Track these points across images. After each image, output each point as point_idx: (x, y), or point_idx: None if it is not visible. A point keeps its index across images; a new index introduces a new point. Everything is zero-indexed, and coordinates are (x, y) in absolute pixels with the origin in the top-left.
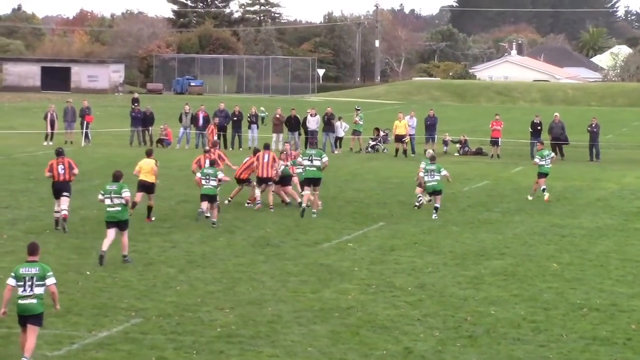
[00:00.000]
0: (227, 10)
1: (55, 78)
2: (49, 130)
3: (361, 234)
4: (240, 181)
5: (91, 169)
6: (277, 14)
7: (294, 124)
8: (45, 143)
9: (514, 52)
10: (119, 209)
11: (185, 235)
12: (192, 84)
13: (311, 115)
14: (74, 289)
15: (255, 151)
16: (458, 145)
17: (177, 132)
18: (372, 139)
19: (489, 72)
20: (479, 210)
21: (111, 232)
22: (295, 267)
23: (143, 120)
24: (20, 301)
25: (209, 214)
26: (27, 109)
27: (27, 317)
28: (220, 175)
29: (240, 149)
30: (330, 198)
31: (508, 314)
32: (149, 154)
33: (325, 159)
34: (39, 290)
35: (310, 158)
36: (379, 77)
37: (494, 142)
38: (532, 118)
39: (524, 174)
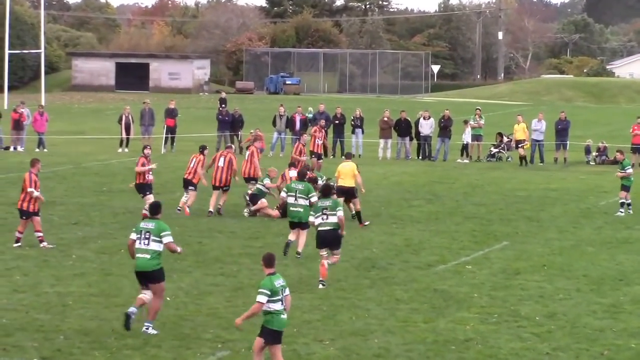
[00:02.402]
0: None
1: (132, 75)
2: (124, 136)
3: (482, 255)
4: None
5: (172, 179)
6: (386, 2)
7: (404, 128)
8: (119, 150)
9: None
10: (301, 210)
11: (279, 256)
12: (287, 82)
13: (424, 118)
14: None
15: (202, 148)
16: (595, 153)
17: (270, 137)
18: (494, 145)
19: (630, 69)
20: (618, 228)
21: (294, 232)
22: (406, 293)
23: (231, 124)
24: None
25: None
26: (99, 111)
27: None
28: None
29: (343, 157)
30: (446, 214)
31: None
32: (348, 156)
33: (340, 212)
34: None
35: (295, 195)
36: (502, 75)
37: (636, 149)
38: None
39: None
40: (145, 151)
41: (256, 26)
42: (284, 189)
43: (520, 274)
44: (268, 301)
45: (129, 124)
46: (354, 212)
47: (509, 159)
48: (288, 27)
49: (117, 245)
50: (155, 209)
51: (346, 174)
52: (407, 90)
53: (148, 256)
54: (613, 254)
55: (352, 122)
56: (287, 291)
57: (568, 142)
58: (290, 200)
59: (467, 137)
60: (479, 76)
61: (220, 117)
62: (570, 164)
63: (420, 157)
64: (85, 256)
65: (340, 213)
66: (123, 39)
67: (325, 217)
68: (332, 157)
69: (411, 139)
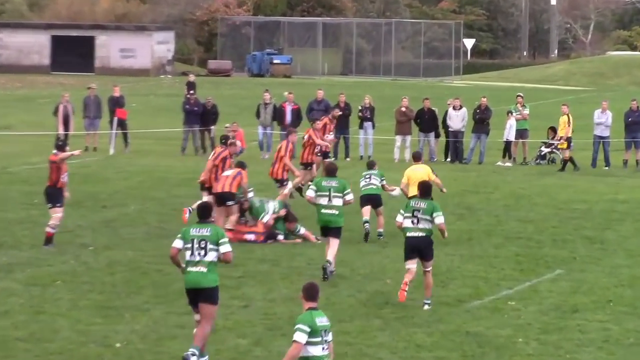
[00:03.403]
0: None
1: (72, 53)
2: (62, 131)
3: (528, 287)
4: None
5: (124, 188)
6: None
7: (428, 121)
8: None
9: None
10: (336, 212)
11: (264, 290)
12: (275, 61)
13: (454, 108)
14: None
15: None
16: None
17: (255, 133)
18: (544, 143)
19: None
20: None
21: (328, 239)
22: (429, 336)
23: (202, 116)
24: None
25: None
26: (29, 99)
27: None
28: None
29: (348, 159)
30: (482, 233)
31: None
32: (417, 158)
33: (349, 196)
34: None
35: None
36: (555, 52)
37: None
38: None
39: None
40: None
41: None
42: (312, 186)
43: (578, 311)
44: (307, 342)
45: (67, 116)
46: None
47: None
48: None
49: (52, 275)
50: (205, 210)
51: (420, 179)
52: (432, 72)
53: (205, 269)
54: None
55: (360, 114)
56: (331, 336)
57: None
58: (323, 201)
59: (510, 133)
60: (525, 53)
61: (187, 106)
62: None
63: (448, 159)
64: (10, 288)
65: (350, 196)
66: (61, 5)
67: (416, 220)
68: (333, 158)
69: (437, 136)
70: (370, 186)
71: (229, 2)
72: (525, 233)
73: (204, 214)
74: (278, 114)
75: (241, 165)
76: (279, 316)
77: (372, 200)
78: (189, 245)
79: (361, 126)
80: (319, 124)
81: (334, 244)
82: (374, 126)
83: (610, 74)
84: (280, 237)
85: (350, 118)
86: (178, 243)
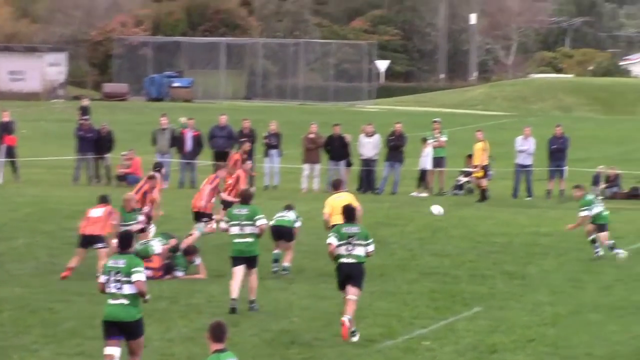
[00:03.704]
0: None
1: None
2: None
3: (444, 325)
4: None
5: (12, 220)
6: None
7: (338, 148)
8: None
9: None
10: (250, 240)
11: (161, 328)
12: (175, 84)
13: (367, 134)
14: None
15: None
16: (603, 184)
17: (150, 160)
18: (462, 172)
19: None
20: (634, 288)
21: (239, 270)
22: None
23: (96, 143)
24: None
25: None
26: None
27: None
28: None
29: (253, 188)
30: (395, 268)
31: None
32: (337, 186)
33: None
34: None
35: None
36: (475, 74)
37: None
38: None
39: None
40: None
41: (132, 6)
42: (225, 217)
43: (497, 352)
44: None
45: None
46: None
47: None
48: (177, 7)
49: None
50: (126, 240)
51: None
52: (342, 96)
53: (126, 302)
54: (627, 323)
55: (265, 141)
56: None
57: (566, 167)
58: (235, 230)
59: (426, 162)
60: (443, 76)
61: (80, 133)
62: (569, 198)
63: (360, 189)
64: None
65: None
66: None
67: (351, 247)
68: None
69: (348, 164)
70: (284, 217)
71: (125, 22)
72: (441, 268)
73: (124, 244)
74: (177, 141)
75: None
76: (177, 357)
77: (284, 233)
78: (107, 278)
79: (266, 154)
80: (230, 162)
81: (252, 274)
82: (280, 154)
83: (533, 98)
84: (180, 273)
85: (255, 145)
86: (102, 278)
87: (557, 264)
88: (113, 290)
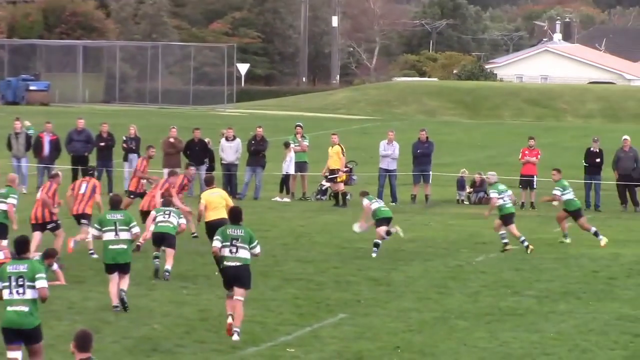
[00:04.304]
0: None
1: None
2: None
3: (309, 332)
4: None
5: None
6: None
7: (198, 152)
8: None
9: (557, 36)
10: (125, 246)
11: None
12: (32, 87)
13: (227, 139)
14: None
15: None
16: (469, 189)
17: (8, 165)
18: (326, 177)
19: (518, 69)
20: (501, 294)
21: (114, 277)
22: None
23: None
24: None
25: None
26: None
27: None
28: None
29: (111, 194)
30: (258, 274)
31: None
32: (209, 182)
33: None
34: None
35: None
36: (337, 77)
37: (526, 183)
38: (587, 144)
39: (575, 235)
40: None
41: None
42: (95, 224)
43: (363, 359)
44: None
45: None
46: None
47: (348, 197)
48: (33, 9)
49: None
50: (23, 245)
51: (216, 203)
52: (203, 100)
53: (26, 309)
54: (494, 330)
55: (124, 145)
56: None
57: (431, 172)
58: (110, 236)
59: (288, 167)
60: (304, 79)
61: None
62: (435, 203)
63: None
64: None
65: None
66: None
67: (235, 249)
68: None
69: (210, 169)
70: (167, 224)
71: None
72: (305, 274)
73: (21, 249)
74: (35, 145)
75: None
76: None
77: (165, 239)
78: (7, 284)
79: (126, 158)
80: (176, 186)
81: (124, 279)
82: (139, 157)
83: (396, 102)
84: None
85: (114, 149)
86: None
87: (422, 270)
88: (16, 297)
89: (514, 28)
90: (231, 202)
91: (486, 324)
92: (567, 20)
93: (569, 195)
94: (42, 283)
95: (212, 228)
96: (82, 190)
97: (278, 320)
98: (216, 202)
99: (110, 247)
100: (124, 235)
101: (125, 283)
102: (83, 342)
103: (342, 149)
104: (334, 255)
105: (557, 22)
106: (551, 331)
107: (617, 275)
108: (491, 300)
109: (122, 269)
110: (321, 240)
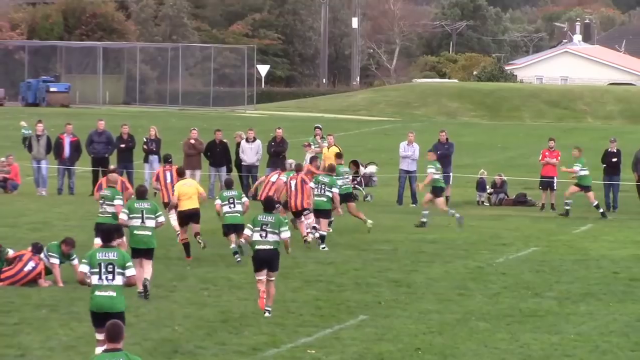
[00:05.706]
0: None
1: None
2: None
3: (329, 334)
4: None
5: None
6: None
7: (219, 154)
8: None
9: (577, 37)
10: (149, 233)
11: (41, 337)
12: (52, 89)
13: (248, 140)
14: None
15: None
16: (490, 190)
17: (28, 167)
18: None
19: (537, 70)
20: (522, 296)
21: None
22: None
23: None
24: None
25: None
26: None
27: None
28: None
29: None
30: (279, 275)
31: None
32: (182, 173)
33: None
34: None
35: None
36: (357, 79)
37: (547, 184)
38: (607, 145)
39: (595, 236)
40: None
41: (6, 9)
42: (125, 209)
43: None
44: None
45: None
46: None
47: (368, 198)
48: (53, 10)
49: None
50: (110, 233)
51: (189, 193)
52: (223, 101)
53: (114, 294)
54: (514, 331)
55: (145, 146)
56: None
57: (451, 174)
58: (137, 222)
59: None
60: (325, 81)
61: None
62: (455, 204)
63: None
64: None
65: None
66: None
67: (264, 234)
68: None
69: (229, 170)
70: (235, 214)
71: (1, 26)
72: (325, 276)
73: (108, 237)
74: (55, 147)
75: None
76: None
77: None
78: (96, 270)
79: (146, 160)
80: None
81: (147, 265)
82: (160, 159)
83: (416, 103)
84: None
85: (134, 151)
86: (84, 267)
87: (443, 271)
88: (105, 283)
89: (534, 29)
90: (203, 191)
91: (507, 326)
92: (587, 21)
93: (585, 172)
94: (131, 271)
95: (186, 217)
96: (168, 180)
97: (299, 321)
98: (189, 192)
99: (136, 232)
100: (150, 223)
101: (148, 272)
102: (113, 332)
103: (339, 149)
104: (354, 256)
105: (577, 23)
106: (571, 332)
107: (637, 277)
108: (512, 301)
109: (145, 254)
110: (341, 241)
